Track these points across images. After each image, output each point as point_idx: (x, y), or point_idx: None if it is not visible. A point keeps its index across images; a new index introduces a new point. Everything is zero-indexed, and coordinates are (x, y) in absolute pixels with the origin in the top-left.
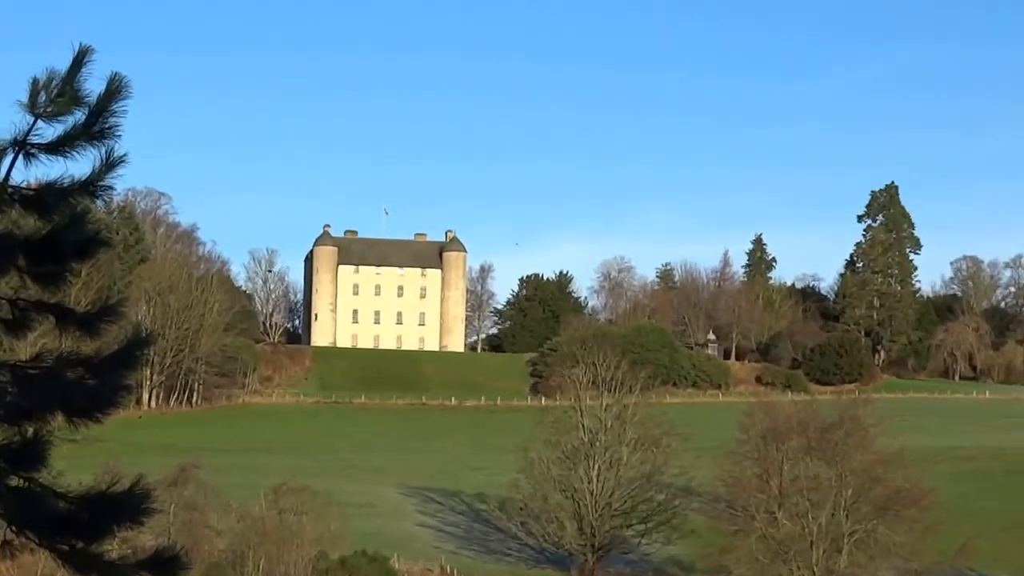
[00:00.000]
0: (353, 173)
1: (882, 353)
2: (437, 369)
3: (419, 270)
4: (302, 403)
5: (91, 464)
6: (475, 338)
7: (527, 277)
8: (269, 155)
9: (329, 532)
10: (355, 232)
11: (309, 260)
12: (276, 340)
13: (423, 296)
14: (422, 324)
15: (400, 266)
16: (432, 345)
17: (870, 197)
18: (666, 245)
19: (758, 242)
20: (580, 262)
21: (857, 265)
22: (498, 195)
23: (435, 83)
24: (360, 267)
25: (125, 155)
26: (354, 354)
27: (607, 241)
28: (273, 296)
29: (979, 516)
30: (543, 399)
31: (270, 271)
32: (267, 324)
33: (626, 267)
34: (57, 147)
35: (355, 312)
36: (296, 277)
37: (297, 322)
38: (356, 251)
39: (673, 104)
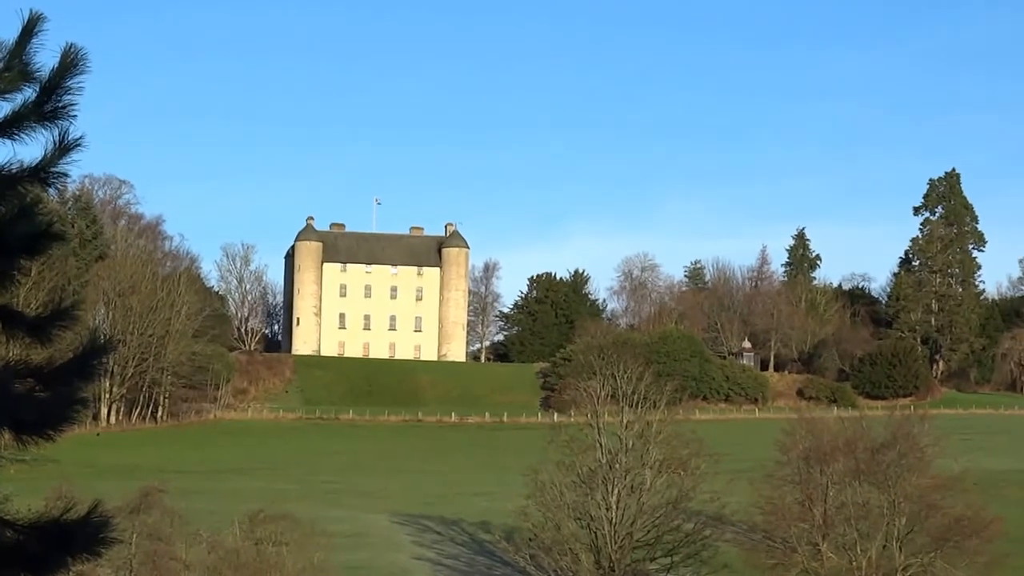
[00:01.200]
0: (340, 158)
1: (940, 363)
2: (435, 381)
3: (415, 268)
4: (282, 419)
5: (42, 488)
6: (478, 346)
7: (538, 277)
8: (245, 138)
9: (312, 565)
10: (342, 225)
11: (290, 257)
12: (252, 348)
13: (419, 298)
14: (418, 330)
15: (393, 264)
16: (430, 354)
17: (928, 186)
18: (696, 240)
19: (800, 237)
20: (598, 259)
21: (913, 263)
22: (505, 183)
23: (432, 54)
24: (348, 265)
25: (81, 138)
26: (341, 364)
27: (629, 235)
28: (249, 298)
29: None
30: (555, 415)
31: (247, 266)
32: (242, 330)
33: (650, 265)
34: (4, 128)
35: (342, 316)
36: (275, 277)
37: (276, 328)
38: (343, 247)
39: (704, 78)
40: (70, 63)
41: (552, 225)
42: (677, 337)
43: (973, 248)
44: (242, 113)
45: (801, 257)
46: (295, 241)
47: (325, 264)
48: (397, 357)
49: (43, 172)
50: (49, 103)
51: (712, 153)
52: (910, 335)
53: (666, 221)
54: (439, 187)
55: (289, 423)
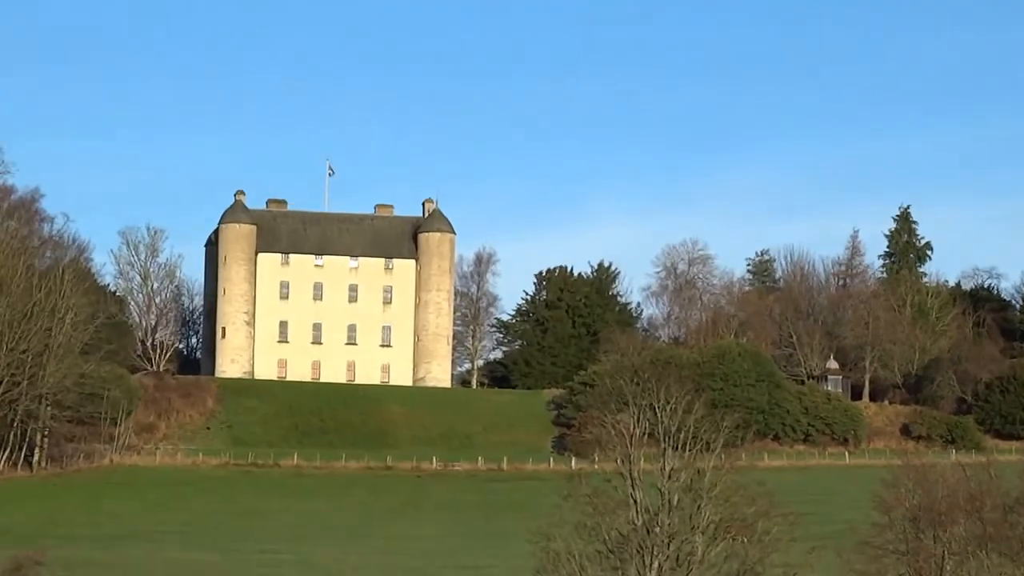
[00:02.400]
0: (279, 112)
1: None
2: (410, 414)
3: (382, 261)
4: (202, 466)
5: None
6: (468, 366)
7: (549, 272)
8: (149, 88)
9: None
10: (283, 203)
11: (213, 246)
12: (162, 369)
13: (388, 301)
14: (387, 344)
15: (353, 254)
16: (403, 377)
17: None
18: (762, 222)
19: (904, 219)
20: (630, 249)
21: None
22: (502, 147)
23: None
24: (291, 256)
25: None
26: (282, 391)
27: (671, 216)
28: (158, 301)
29: None
30: (573, 460)
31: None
32: (148, 344)
33: (701, 256)
34: None
35: (283, 326)
36: (193, 272)
37: (195, 341)
38: (285, 231)
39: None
40: None
41: (568, 203)
42: (738, 354)
43: None
44: (146, 57)
45: (906, 246)
46: (219, 224)
47: (260, 255)
48: (359, 381)
49: None
50: None
51: (782, 101)
52: None
53: (722, 196)
54: (413, 152)
55: (212, 471)
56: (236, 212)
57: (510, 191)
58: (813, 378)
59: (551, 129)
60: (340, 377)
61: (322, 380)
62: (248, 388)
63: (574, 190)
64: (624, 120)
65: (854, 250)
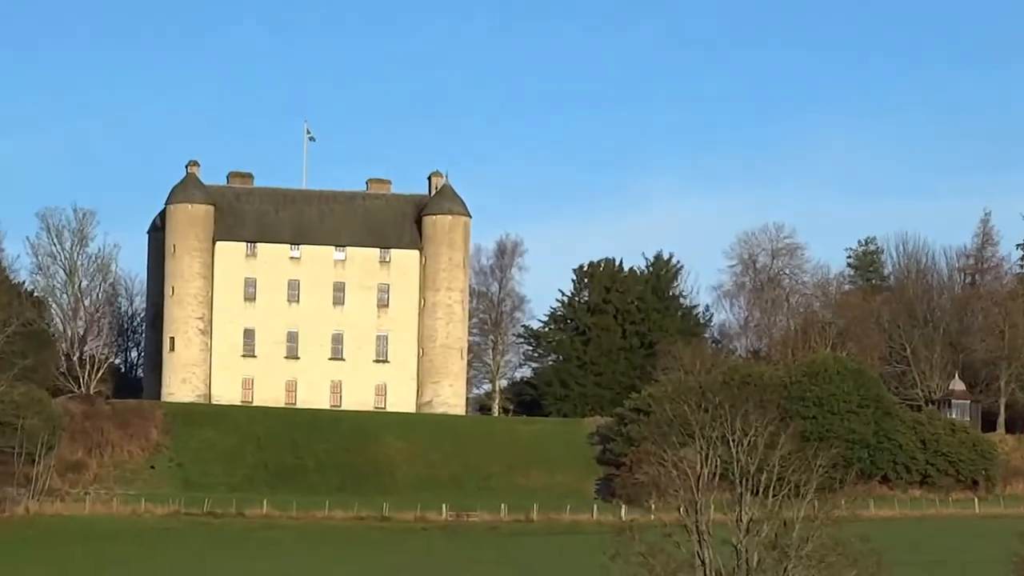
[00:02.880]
0: (242, 60)
1: None
2: (413, 450)
3: (376, 251)
4: (145, 516)
5: None
6: (488, 387)
7: (591, 267)
8: (67, 34)
9: None
10: (248, 176)
11: (158, 232)
12: (94, 391)
13: (384, 303)
14: (383, 359)
15: (339, 242)
16: (403, 401)
17: None
18: (867, 201)
19: None
20: (695, 236)
21: None
22: (529, 107)
23: None
24: (259, 245)
25: None
26: (247, 419)
27: (748, 195)
28: (88, 303)
29: None
30: (623, 508)
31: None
32: (75, 359)
33: (788, 247)
34: None
35: (248, 335)
36: (133, 265)
37: (136, 356)
38: (251, 213)
39: None
40: None
41: (615, 178)
42: (836, 372)
43: None
44: None
45: None
46: (166, 204)
47: (219, 243)
48: (347, 407)
49: None
50: None
51: (889, 49)
52: None
53: (814, 169)
54: (416, 111)
55: (157, 522)
56: (188, 189)
57: (540, 162)
58: (933, 403)
59: (592, 85)
60: (322, 401)
61: (299, 405)
62: (203, 415)
63: (622, 162)
64: (684, 74)
65: (985, 238)
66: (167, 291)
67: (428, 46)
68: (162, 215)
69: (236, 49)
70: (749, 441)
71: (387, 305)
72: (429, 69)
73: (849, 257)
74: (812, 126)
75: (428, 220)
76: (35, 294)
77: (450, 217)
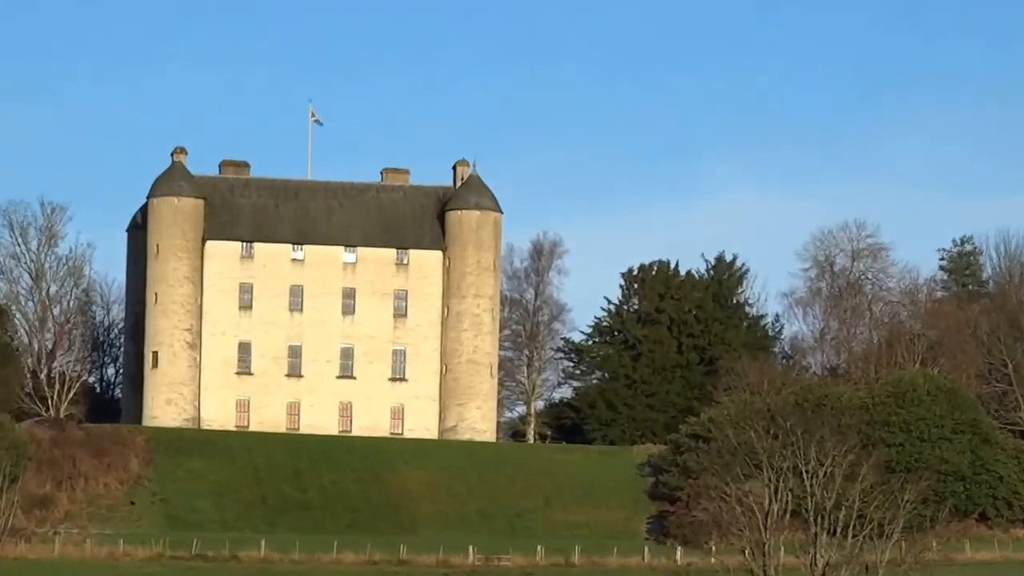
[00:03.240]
0: (237, 32)
1: None
2: (436, 482)
3: (392, 252)
4: (124, 560)
5: None
6: (522, 410)
7: (641, 270)
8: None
9: None
10: (244, 165)
11: (139, 230)
12: (64, 414)
13: (401, 312)
14: (399, 377)
15: (348, 242)
16: (423, 426)
17: None
18: (961, 196)
19: None
20: (762, 235)
21: None
22: (569, 84)
23: None
24: (256, 244)
25: None
26: (243, 447)
27: (824, 187)
28: (57, 312)
29: None
30: (679, 551)
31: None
32: (43, 376)
33: (871, 247)
34: None
35: (244, 349)
36: (110, 268)
37: (112, 372)
38: (247, 208)
39: None
40: None
41: (669, 168)
42: (927, 392)
43: None
44: None
45: None
46: (149, 197)
47: (210, 243)
48: (357, 432)
49: None
50: None
51: (987, 26)
52: None
53: (899, 157)
54: (439, 91)
55: (138, 567)
56: (174, 179)
57: (582, 149)
58: None
59: (644, 59)
60: (330, 426)
61: (303, 431)
62: (192, 442)
63: (679, 149)
64: (751, 50)
65: None
66: (149, 298)
67: (450, 13)
68: (143, 210)
69: (229, 18)
70: (825, 472)
71: (405, 314)
72: (452, 40)
73: (942, 259)
74: (900, 110)
75: (452, 216)
76: None
77: (478, 212)
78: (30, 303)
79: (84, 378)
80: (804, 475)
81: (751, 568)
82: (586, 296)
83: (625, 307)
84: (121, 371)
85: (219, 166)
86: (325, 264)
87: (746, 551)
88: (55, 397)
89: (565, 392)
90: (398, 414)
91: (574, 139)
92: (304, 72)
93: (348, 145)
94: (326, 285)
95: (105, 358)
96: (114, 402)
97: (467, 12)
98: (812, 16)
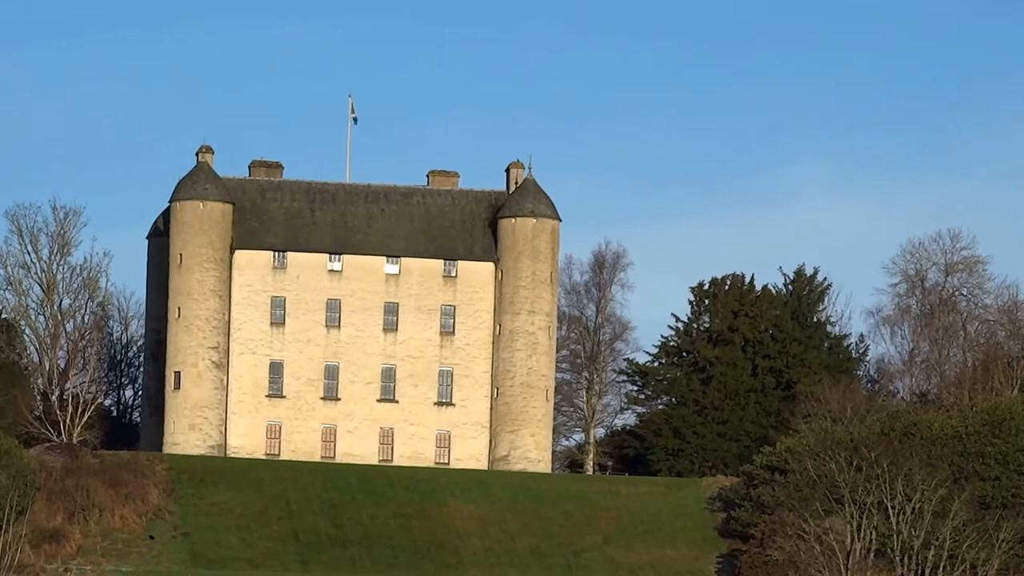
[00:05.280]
0: (268, 21)
1: None
2: (485, 516)
3: (439, 263)
4: None
5: None
6: (581, 438)
7: (713, 284)
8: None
9: None
10: (276, 166)
11: (161, 237)
12: (77, 440)
13: (449, 329)
14: (446, 401)
15: (390, 252)
16: (472, 455)
17: None
18: None
19: None
20: (847, 247)
21: None
22: (634, 82)
23: None
24: (289, 254)
25: None
26: (273, 477)
27: (915, 196)
28: (70, 328)
29: None
30: None
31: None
32: (54, 399)
33: (966, 260)
34: None
35: (275, 369)
36: (129, 280)
37: (131, 395)
38: (279, 214)
39: None
40: None
41: (744, 174)
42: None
43: None
44: None
45: None
46: (171, 200)
47: (239, 252)
48: (399, 462)
49: None
50: None
51: None
52: None
53: (1000, 163)
54: (489, 86)
55: None
56: (199, 182)
57: (648, 152)
58: None
59: (715, 53)
60: (369, 455)
61: (339, 460)
62: (218, 472)
63: (755, 153)
64: (836, 45)
65: None
66: (172, 313)
67: (504, 2)
68: (166, 216)
69: (260, 5)
70: (913, 508)
71: (452, 332)
72: (506, 27)
73: None
74: (999, 111)
75: (506, 224)
76: (2, 315)
77: (534, 220)
78: (41, 318)
79: (99, 401)
80: (890, 511)
81: None
82: (652, 313)
83: (695, 325)
84: (140, 393)
85: (249, 167)
86: (365, 276)
87: None
88: (67, 421)
89: (628, 419)
90: (444, 442)
91: (640, 139)
92: (343, 64)
93: (391, 145)
94: (366, 299)
95: (123, 379)
96: (132, 427)
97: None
98: (906, 8)
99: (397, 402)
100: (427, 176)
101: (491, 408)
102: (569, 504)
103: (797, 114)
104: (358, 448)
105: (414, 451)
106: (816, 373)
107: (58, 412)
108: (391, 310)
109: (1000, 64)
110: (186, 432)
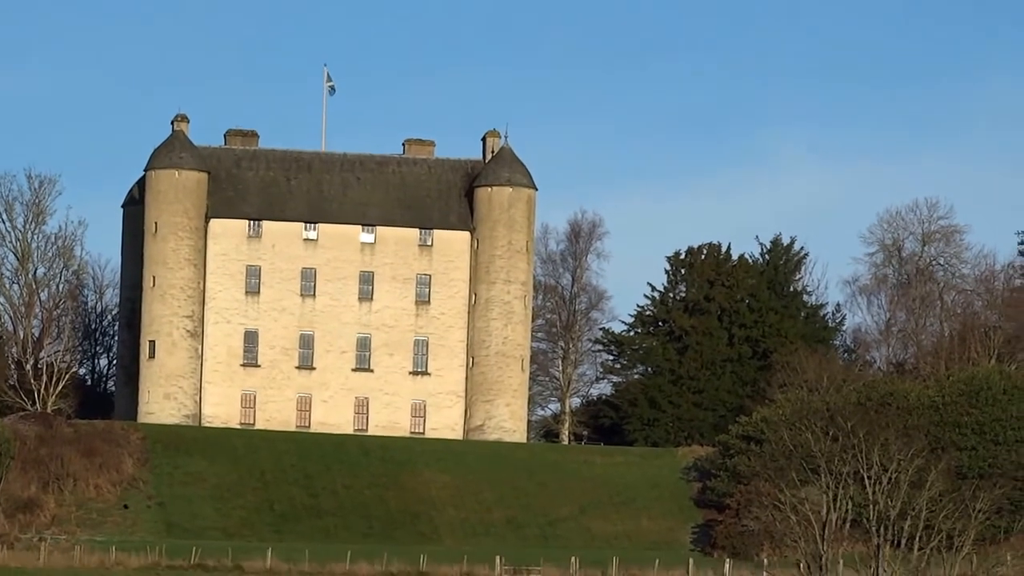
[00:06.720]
0: None
1: None
2: (460, 486)
3: (415, 232)
4: (116, 569)
5: None
6: (556, 408)
7: (689, 253)
8: None
9: None
10: (252, 135)
11: (136, 205)
12: (52, 409)
13: (424, 298)
14: (422, 371)
15: (365, 220)
16: (447, 425)
17: None
18: None
19: None
20: (823, 216)
21: None
22: (609, 45)
23: None
24: (264, 223)
25: None
26: (247, 446)
27: (892, 164)
28: (44, 297)
29: None
30: (727, 564)
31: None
32: (29, 367)
33: (943, 229)
34: None
35: (250, 338)
36: (103, 248)
37: (105, 364)
38: (254, 182)
39: None
40: None
41: (720, 141)
42: (1003, 391)
43: None
44: None
45: None
46: (146, 169)
47: (214, 221)
48: (374, 432)
49: None
50: None
51: None
52: None
53: (977, 131)
54: (467, 53)
55: (132, 575)
56: (174, 150)
57: (625, 121)
58: None
59: (692, 20)
60: (344, 424)
61: (314, 429)
62: (192, 442)
63: (731, 122)
64: (813, 11)
65: None
66: (147, 282)
67: None
68: (141, 184)
69: None
70: (890, 478)
71: (428, 301)
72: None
73: (1021, 243)
74: (977, 80)
75: (482, 193)
76: None
77: (510, 189)
78: (15, 286)
79: (74, 370)
80: (866, 481)
81: None
82: (628, 282)
83: (671, 295)
84: (115, 362)
85: (224, 136)
86: (340, 245)
87: (802, 564)
88: (42, 390)
89: (603, 388)
90: (419, 411)
91: (616, 108)
92: (318, 33)
93: (366, 114)
94: (341, 268)
95: (97, 348)
96: (107, 396)
97: None
98: None
99: (372, 371)
100: (403, 145)
101: (466, 378)
102: (544, 474)
103: (774, 84)
104: (333, 417)
105: (389, 420)
106: (792, 343)
107: (32, 381)
108: (366, 279)
109: (978, 34)
110: (161, 401)
